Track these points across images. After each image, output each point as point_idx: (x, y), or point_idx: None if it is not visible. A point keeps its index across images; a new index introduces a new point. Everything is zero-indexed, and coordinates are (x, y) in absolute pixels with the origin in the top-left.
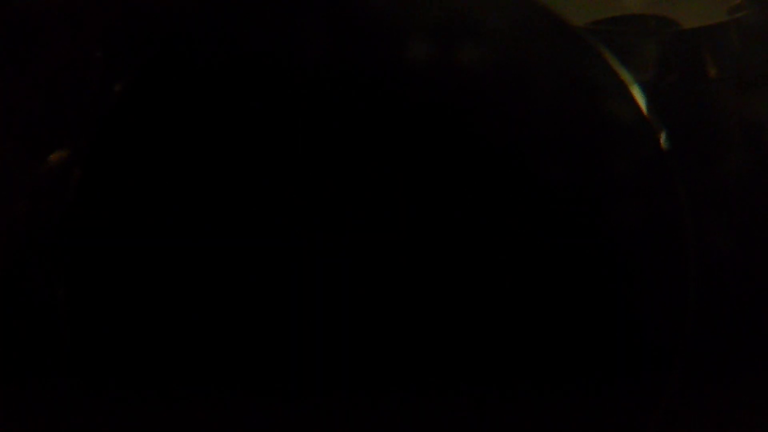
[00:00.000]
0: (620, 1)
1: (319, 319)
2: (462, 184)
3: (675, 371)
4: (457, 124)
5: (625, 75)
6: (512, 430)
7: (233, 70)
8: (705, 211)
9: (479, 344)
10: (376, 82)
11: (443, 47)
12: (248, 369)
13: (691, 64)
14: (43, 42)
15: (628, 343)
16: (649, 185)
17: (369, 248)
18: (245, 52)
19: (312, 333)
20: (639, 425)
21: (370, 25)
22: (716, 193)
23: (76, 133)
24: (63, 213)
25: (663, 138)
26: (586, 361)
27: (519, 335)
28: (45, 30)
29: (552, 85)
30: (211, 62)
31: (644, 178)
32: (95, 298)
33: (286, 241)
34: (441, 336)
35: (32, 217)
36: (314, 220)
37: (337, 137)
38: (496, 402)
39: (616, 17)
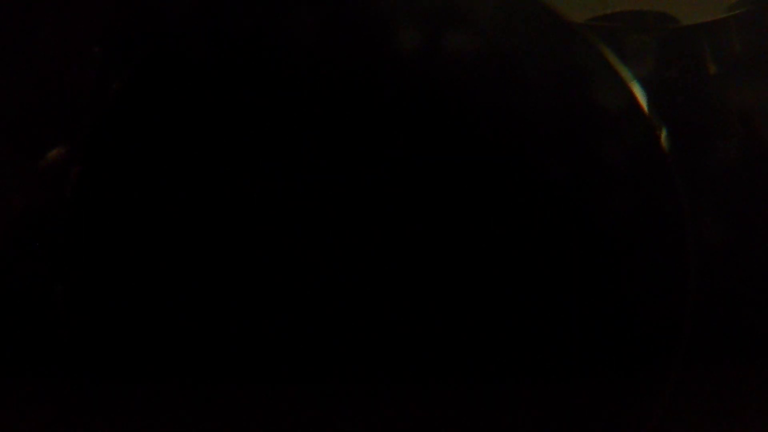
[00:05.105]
0: None
1: (317, 317)
2: (453, 175)
3: (675, 365)
4: (449, 113)
5: (623, 69)
6: (513, 427)
7: (228, 67)
8: (704, 204)
9: (479, 340)
10: (366, 70)
11: (435, 36)
12: (245, 367)
13: (690, 61)
14: (42, 39)
15: (627, 337)
16: (644, 175)
17: (363, 237)
18: (239, 49)
19: (309, 331)
20: (639, 423)
21: (361, 14)
22: (715, 186)
23: (74, 130)
24: (61, 210)
25: (663, 134)
26: (585, 358)
27: (518, 331)
28: (44, 27)
29: (544, 74)
30: (207, 59)
31: (640, 169)
32: (93, 295)
33: (282, 237)
34: (440, 333)
35: (30, 214)
36: (307, 210)
37: (328, 128)
38: (497, 398)
39: (616, 13)
